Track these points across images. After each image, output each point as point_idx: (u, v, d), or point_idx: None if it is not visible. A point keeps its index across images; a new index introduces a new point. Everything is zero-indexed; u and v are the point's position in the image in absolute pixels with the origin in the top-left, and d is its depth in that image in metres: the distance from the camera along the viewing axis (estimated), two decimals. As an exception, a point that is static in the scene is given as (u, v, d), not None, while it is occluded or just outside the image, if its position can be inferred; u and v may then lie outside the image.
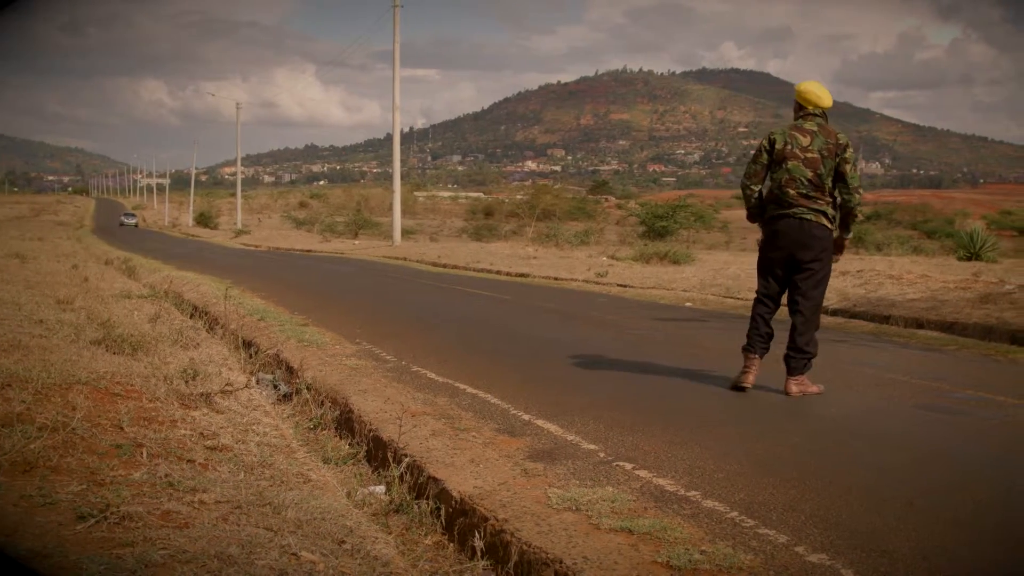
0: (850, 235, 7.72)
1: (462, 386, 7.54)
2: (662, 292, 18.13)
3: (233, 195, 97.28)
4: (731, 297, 16.85)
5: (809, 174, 7.38)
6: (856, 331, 12.22)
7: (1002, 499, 4.77)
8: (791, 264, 7.58)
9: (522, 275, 23.55)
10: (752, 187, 7.71)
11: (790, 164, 7.42)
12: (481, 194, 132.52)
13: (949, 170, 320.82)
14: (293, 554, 3.53)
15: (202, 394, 6.21)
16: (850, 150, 7.50)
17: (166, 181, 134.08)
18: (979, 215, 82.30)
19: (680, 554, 3.82)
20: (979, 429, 6.50)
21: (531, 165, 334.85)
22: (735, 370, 7.85)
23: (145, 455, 4.56)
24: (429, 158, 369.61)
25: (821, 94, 7.56)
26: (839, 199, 7.48)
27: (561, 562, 3.81)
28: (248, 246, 49.93)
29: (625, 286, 19.53)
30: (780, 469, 5.18)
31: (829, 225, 7.47)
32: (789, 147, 7.44)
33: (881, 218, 74.18)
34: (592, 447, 5.62)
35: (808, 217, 7.42)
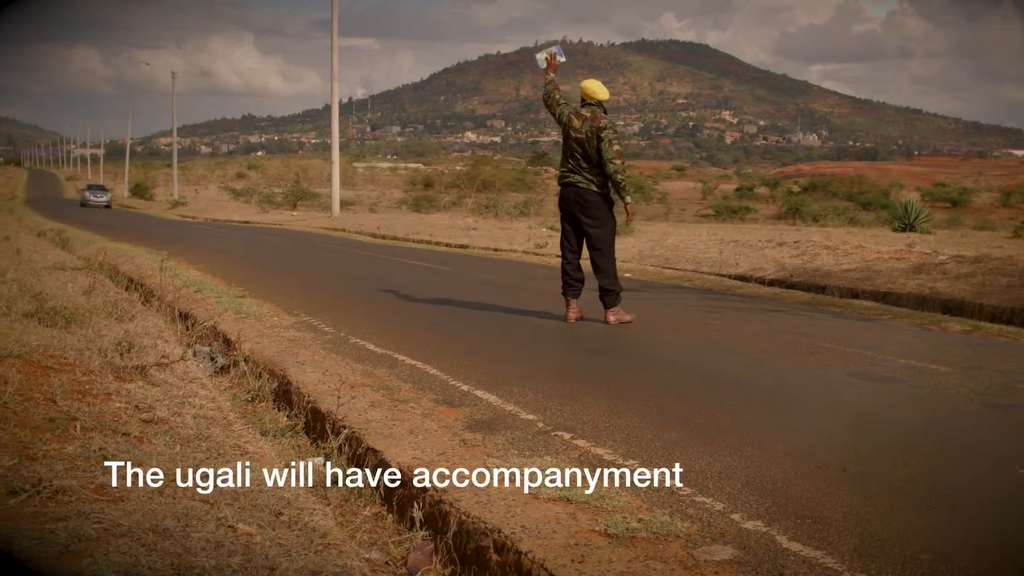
0: (629, 200, 9.45)
1: (401, 357, 7.53)
2: (601, 263, 18.15)
3: (169, 166, 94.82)
4: (669, 267, 16.95)
5: (579, 151, 9.26)
6: (792, 301, 12.35)
7: (933, 465, 4.85)
8: (576, 223, 9.44)
9: (461, 246, 23.51)
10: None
11: (570, 142, 9.32)
12: (421, 165, 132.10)
13: (884, 142, 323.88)
14: (230, 526, 3.51)
15: (137, 367, 6.15)
16: (606, 131, 9.15)
17: (100, 152, 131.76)
18: (914, 187, 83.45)
19: (618, 522, 3.85)
20: (911, 396, 6.61)
21: (471, 136, 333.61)
22: (670, 339, 8.43)
23: (79, 428, 4.51)
24: (368, 129, 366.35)
25: (596, 89, 9.42)
26: (609, 168, 9.15)
27: (500, 531, 3.83)
28: (185, 217, 49.36)
29: (565, 257, 19.52)
30: (717, 437, 5.23)
31: (598, 190, 9.29)
32: (568, 129, 9.30)
33: (818, 189, 75.03)
34: (531, 417, 5.64)
35: (581, 185, 9.31)
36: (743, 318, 10.32)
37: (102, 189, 71.40)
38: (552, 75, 9.63)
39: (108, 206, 65.43)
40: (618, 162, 9.21)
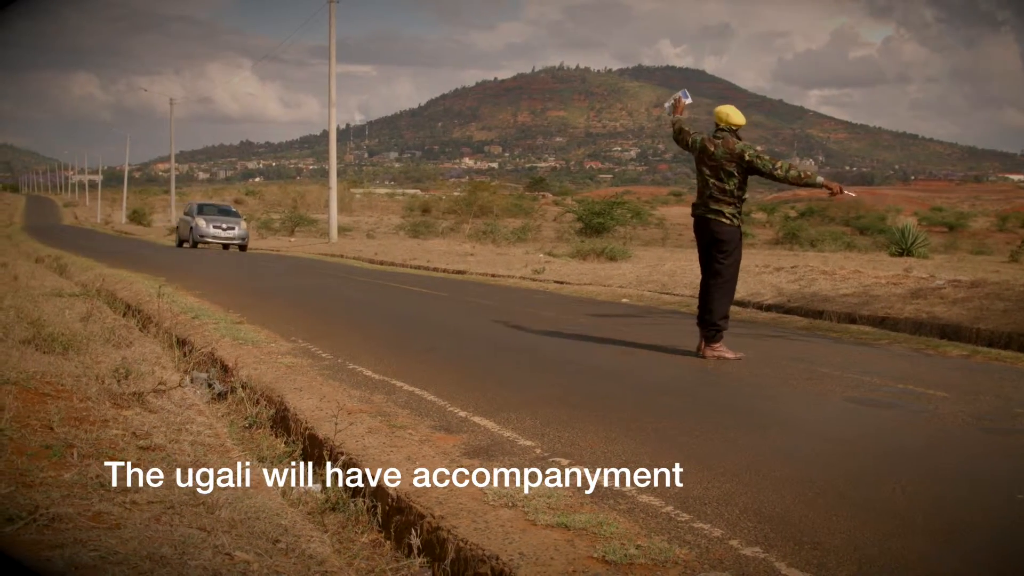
0: (821, 180, 9.35)
1: (398, 383, 7.51)
2: (599, 288, 18.19)
3: (167, 192, 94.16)
4: (667, 293, 16.95)
5: (712, 176, 9.18)
6: (790, 326, 12.35)
7: (931, 491, 4.84)
8: (705, 253, 9.36)
9: (459, 272, 23.52)
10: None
11: (703, 168, 9.26)
12: (418, 191, 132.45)
13: (881, 167, 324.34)
14: (227, 554, 3.50)
15: (134, 393, 6.13)
16: (748, 153, 9.05)
17: (99, 178, 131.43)
18: (910, 211, 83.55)
19: (616, 549, 3.84)
20: (909, 421, 6.61)
21: (468, 162, 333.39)
22: (668, 365, 8.52)
23: (76, 456, 4.50)
24: (366, 155, 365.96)
25: (730, 113, 9.32)
26: (779, 176, 9.09)
27: (497, 558, 3.81)
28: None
29: (562, 283, 19.57)
30: (714, 463, 5.22)
31: (726, 221, 9.14)
32: (703, 155, 9.26)
33: (815, 214, 74.99)
34: (529, 443, 5.63)
35: (709, 216, 9.22)
36: (741, 344, 10.31)
37: (229, 215, 38.98)
38: (679, 116, 9.75)
39: (243, 246, 36.86)
40: (778, 165, 9.15)
